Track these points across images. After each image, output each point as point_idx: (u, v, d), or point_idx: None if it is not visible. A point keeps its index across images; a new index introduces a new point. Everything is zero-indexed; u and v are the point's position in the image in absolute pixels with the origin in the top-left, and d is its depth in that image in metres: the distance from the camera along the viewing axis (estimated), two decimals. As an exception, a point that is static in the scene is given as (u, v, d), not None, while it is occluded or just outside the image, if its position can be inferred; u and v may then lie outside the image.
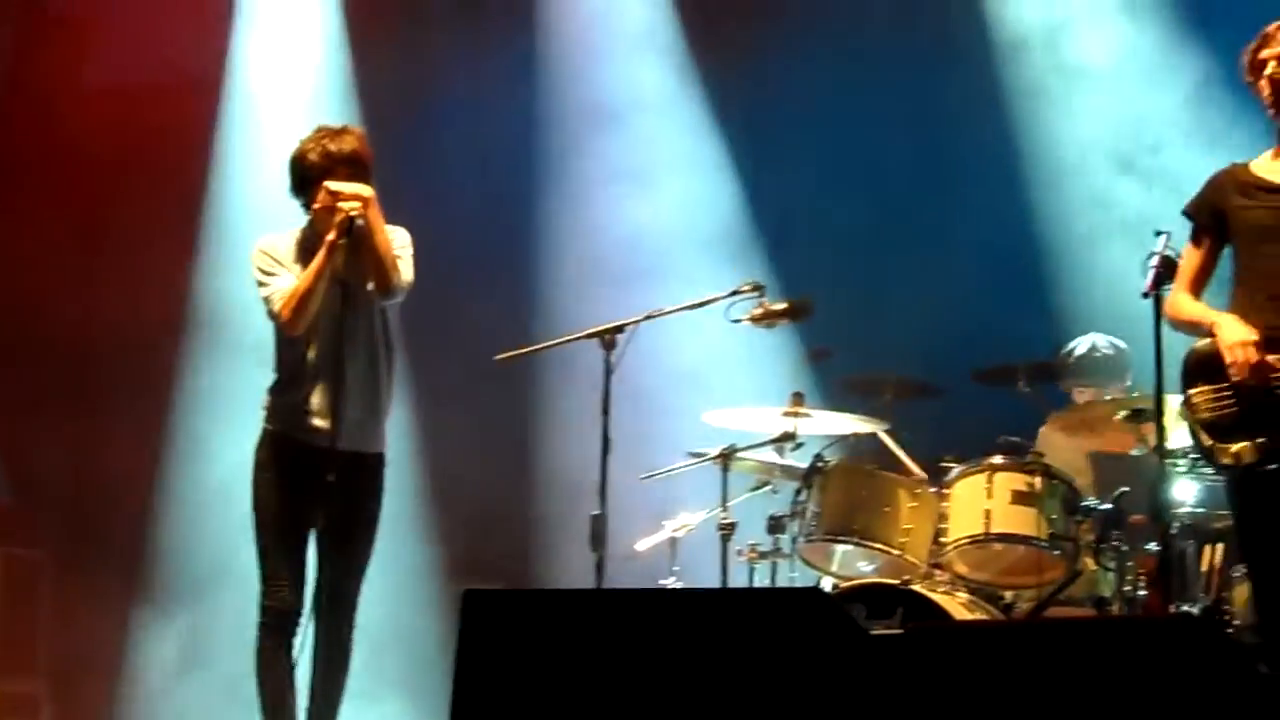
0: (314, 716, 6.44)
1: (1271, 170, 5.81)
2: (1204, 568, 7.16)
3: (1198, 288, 5.95)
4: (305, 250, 6.58)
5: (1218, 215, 5.89)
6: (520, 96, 10.15)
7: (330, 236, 6.40)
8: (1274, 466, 5.60)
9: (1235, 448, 5.69)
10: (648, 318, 7.17)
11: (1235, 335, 5.67)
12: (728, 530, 7.56)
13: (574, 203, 9.95)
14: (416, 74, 9.81)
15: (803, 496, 7.42)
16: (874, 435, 7.84)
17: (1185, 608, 6.71)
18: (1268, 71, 5.68)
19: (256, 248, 6.67)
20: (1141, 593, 7.14)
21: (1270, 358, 5.61)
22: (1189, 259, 5.97)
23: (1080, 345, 8.20)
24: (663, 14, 10.16)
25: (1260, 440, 5.62)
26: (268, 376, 6.69)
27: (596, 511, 6.91)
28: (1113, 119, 9.42)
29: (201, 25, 9.78)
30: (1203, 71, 9.01)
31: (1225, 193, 5.88)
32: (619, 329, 7.07)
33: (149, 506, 9.54)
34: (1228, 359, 5.66)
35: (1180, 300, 5.93)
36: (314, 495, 6.35)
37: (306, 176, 6.55)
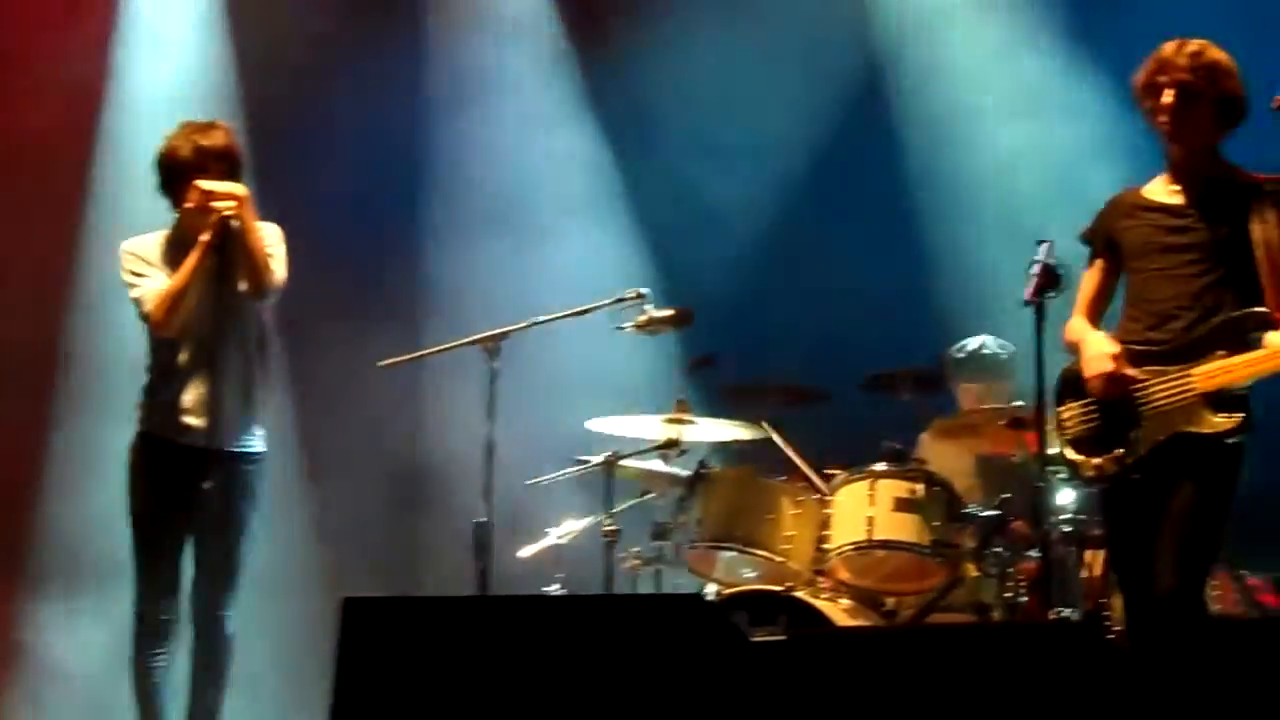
0: None
1: (1160, 192, 5.88)
2: (1084, 574, 7.23)
3: (1095, 312, 6.01)
4: (174, 250, 6.50)
5: (1108, 238, 5.96)
6: (406, 95, 10.08)
7: (204, 237, 6.33)
8: (1136, 477, 5.66)
9: (1096, 461, 5.76)
10: (531, 324, 7.15)
11: (1094, 350, 5.75)
12: (612, 537, 7.54)
13: (462, 206, 9.91)
14: (301, 74, 9.70)
15: (686, 503, 7.43)
16: (758, 441, 7.84)
17: (1065, 614, 6.76)
18: (1164, 100, 5.72)
19: (123, 250, 6.58)
20: (1022, 599, 7.20)
21: (1133, 371, 5.67)
22: (1086, 283, 6.05)
23: (971, 343, 8.27)
24: (546, 13, 10.15)
25: (1119, 452, 5.70)
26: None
27: (480, 518, 6.88)
28: (998, 131, 9.50)
29: (84, 30, 9.62)
30: (1090, 89, 9.11)
31: (1115, 215, 5.96)
32: (503, 335, 7.04)
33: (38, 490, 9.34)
34: (1086, 373, 5.75)
35: (1072, 324, 6.00)
36: (189, 497, 6.26)
37: (177, 172, 6.44)
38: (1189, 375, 5.59)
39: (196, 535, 6.40)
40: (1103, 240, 6.00)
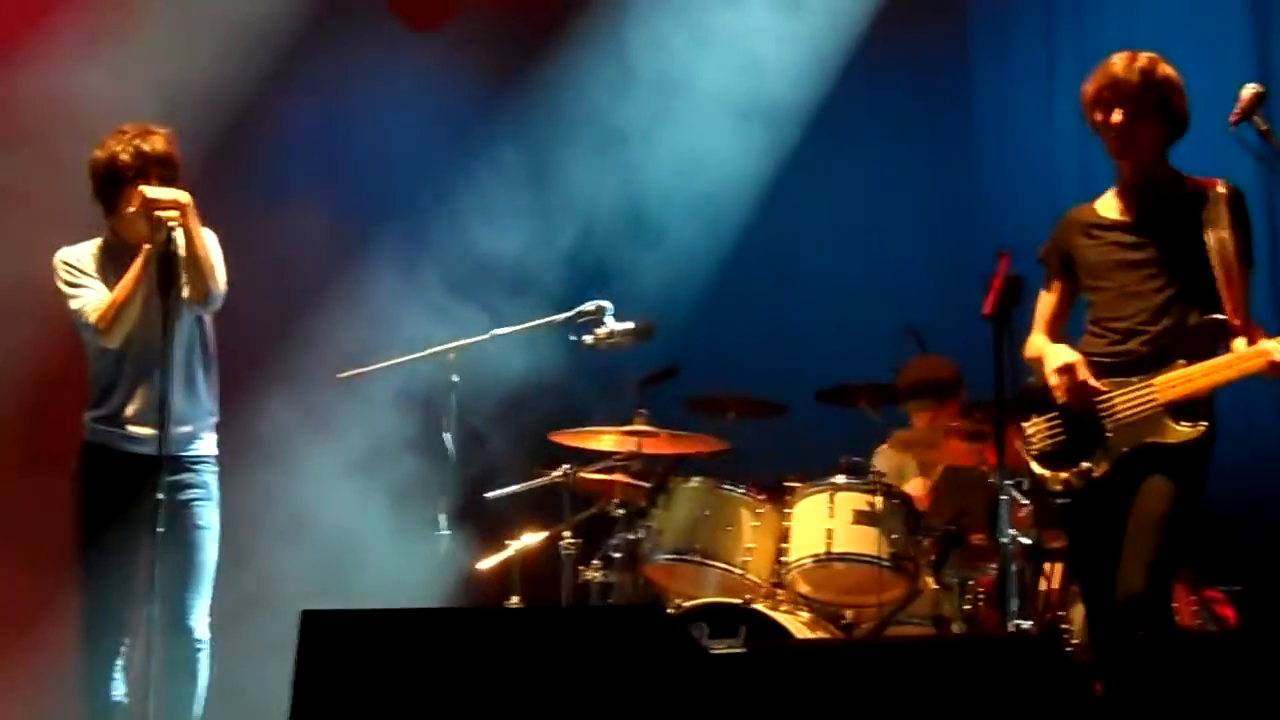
0: None
1: (1113, 209, 5.90)
2: (1042, 587, 7.25)
3: (1053, 330, 6.04)
4: (110, 257, 6.43)
5: (1065, 258, 5.98)
6: (370, 109, 10.06)
7: (148, 245, 6.25)
8: (1101, 486, 5.68)
9: (1064, 474, 5.77)
10: (491, 336, 7.15)
11: (1059, 360, 5.76)
12: (571, 549, 7.54)
13: (419, 221, 9.88)
14: (264, 86, 9.66)
15: (646, 515, 7.42)
16: (717, 454, 7.85)
17: (1024, 626, 6.77)
18: (1115, 118, 5.74)
19: (58, 259, 6.46)
20: (981, 611, 7.22)
21: (1095, 382, 5.69)
22: (1043, 303, 6.08)
23: (913, 366, 8.27)
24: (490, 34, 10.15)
25: (1085, 465, 5.71)
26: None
27: (439, 530, 6.87)
28: (949, 140, 9.56)
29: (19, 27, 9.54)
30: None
31: (1070, 234, 5.97)
32: (463, 348, 7.04)
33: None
34: (1052, 383, 5.76)
35: (1032, 341, 6.03)
36: (141, 506, 6.14)
37: (116, 178, 6.34)
38: (1150, 385, 5.61)
39: (158, 544, 6.22)
40: (1059, 259, 6.02)
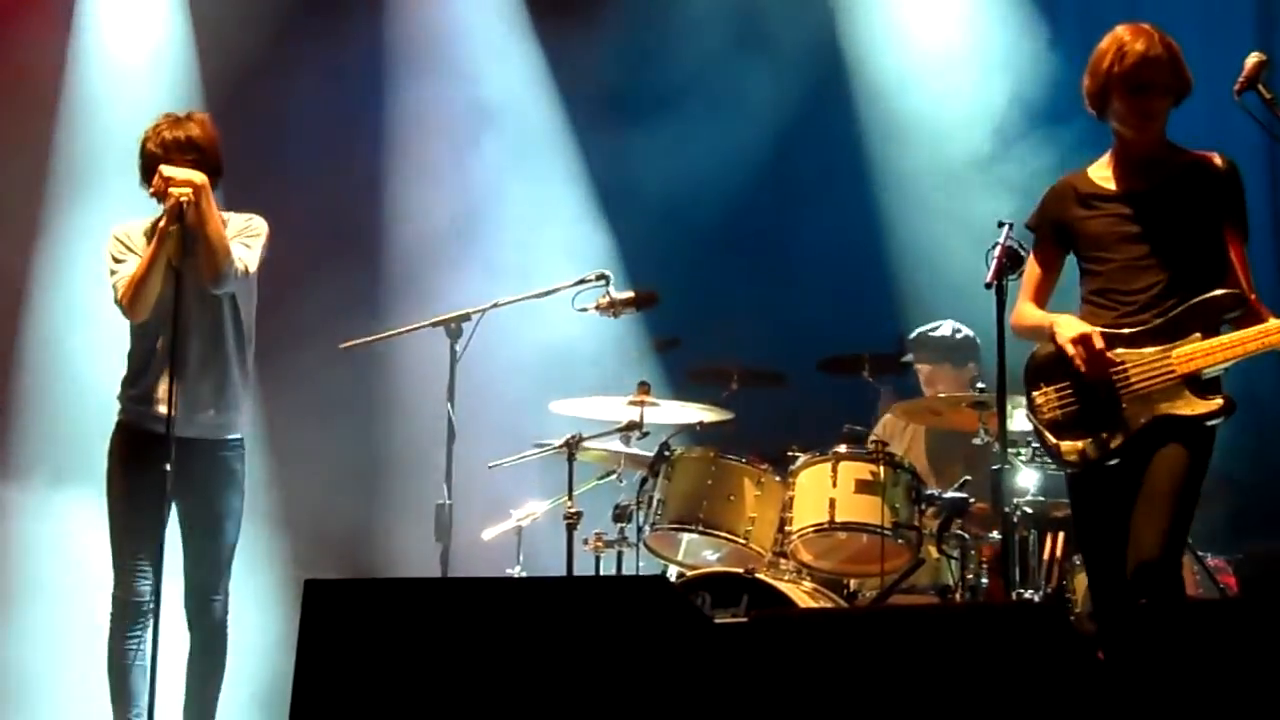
0: (190, 712, 6.48)
1: (1109, 177, 5.87)
2: (1045, 556, 7.25)
3: (1042, 297, 5.99)
4: (153, 237, 6.52)
5: (1059, 227, 5.93)
6: (371, 84, 10.06)
7: (162, 223, 6.39)
8: (1115, 461, 5.66)
9: (1081, 445, 5.74)
10: (493, 306, 7.15)
11: (1073, 330, 5.72)
12: (573, 519, 7.54)
13: (423, 189, 9.88)
14: (265, 61, 9.66)
15: (648, 485, 7.43)
16: (720, 423, 7.86)
17: (1026, 595, 6.78)
18: (1152, 101, 5.70)
19: (111, 234, 6.66)
20: (984, 581, 7.23)
21: (1110, 353, 5.67)
22: (1032, 270, 6.01)
23: (942, 326, 8.26)
24: (510, 5, 10.14)
25: (1103, 435, 5.69)
26: None
27: (442, 500, 6.88)
28: (957, 117, 9.52)
29: (43, 24, 9.56)
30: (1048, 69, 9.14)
31: (1066, 204, 5.92)
32: (465, 317, 7.05)
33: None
34: (1070, 352, 5.70)
35: (1023, 309, 5.98)
36: (162, 484, 6.25)
37: (147, 164, 6.53)
38: (1168, 357, 5.60)
39: (181, 523, 6.47)
40: (1051, 228, 5.96)
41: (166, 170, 6.38)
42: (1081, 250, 5.89)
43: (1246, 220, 5.76)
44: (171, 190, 6.33)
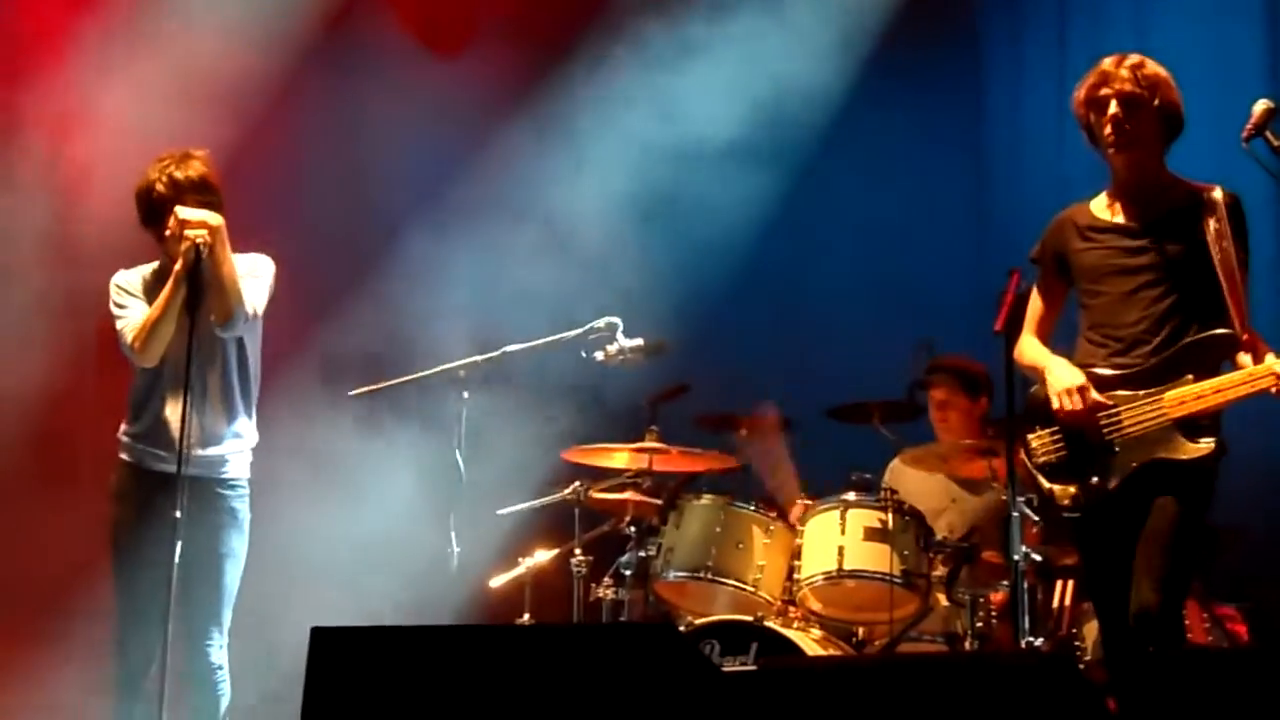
0: None
1: (1110, 211, 5.88)
2: (1054, 604, 7.23)
3: (1044, 331, 6.01)
4: (159, 281, 6.50)
5: (1060, 259, 5.95)
6: (381, 123, 10.08)
7: (178, 266, 6.33)
8: (1111, 501, 5.66)
9: (1072, 489, 5.75)
10: (502, 353, 7.15)
11: (1062, 381, 5.73)
12: (583, 567, 7.53)
13: (434, 237, 9.88)
14: (280, 100, 9.66)
15: (657, 533, 7.42)
16: (728, 471, 7.85)
17: (1036, 643, 6.76)
18: (1110, 111, 5.73)
19: (112, 282, 6.60)
20: (993, 628, 7.21)
21: (1101, 397, 5.67)
22: (1035, 303, 6.03)
23: (962, 358, 8.23)
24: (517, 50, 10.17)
25: (1093, 480, 5.69)
26: None
27: (450, 548, 6.87)
28: (962, 156, 9.55)
29: (54, 59, 9.56)
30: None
31: (1065, 236, 5.94)
32: (474, 365, 7.05)
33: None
34: (1054, 404, 5.72)
35: (1025, 344, 5.99)
36: (167, 524, 6.19)
37: (155, 208, 6.46)
38: (1159, 400, 5.59)
39: (182, 563, 6.25)
40: (1053, 260, 5.98)
41: (182, 213, 6.31)
42: (1078, 283, 5.90)
43: (1247, 254, 5.74)
44: (188, 233, 6.28)
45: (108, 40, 9.22)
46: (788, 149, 9.81)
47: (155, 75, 9.12)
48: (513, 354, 7.23)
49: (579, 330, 7.25)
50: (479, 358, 7.07)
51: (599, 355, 7.26)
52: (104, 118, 8.98)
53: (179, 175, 6.45)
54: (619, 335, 7.23)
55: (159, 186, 6.45)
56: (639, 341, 7.28)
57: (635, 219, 9.75)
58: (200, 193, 6.44)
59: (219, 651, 6.46)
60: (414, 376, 7.34)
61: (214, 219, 6.35)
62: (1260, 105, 5.62)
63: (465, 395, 7.02)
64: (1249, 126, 5.60)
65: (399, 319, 9.73)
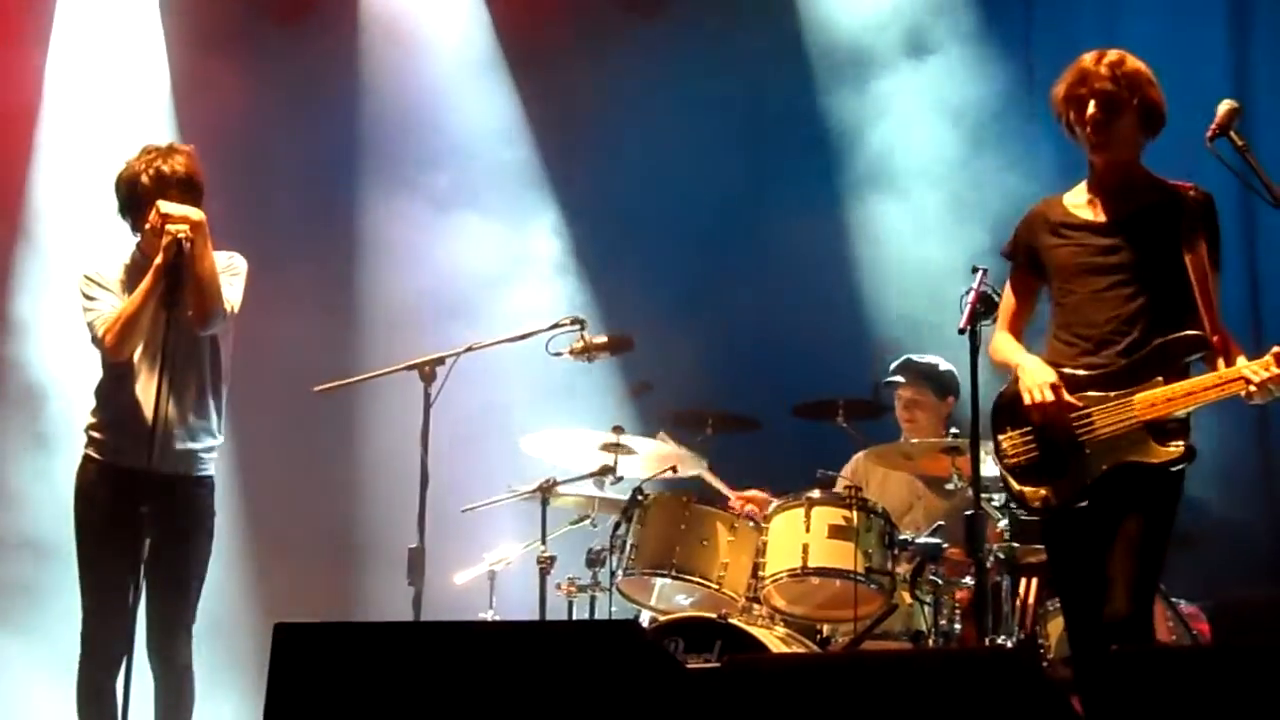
0: None
1: (1084, 207, 5.86)
2: (1019, 601, 7.24)
3: (1017, 327, 5.98)
4: (132, 274, 6.43)
5: (1031, 254, 5.92)
6: (345, 124, 10.07)
7: (157, 260, 6.24)
8: (1082, 504, 5.65)
9: (1042, 491, 5.73)
10: (468, 350, 7.14)
11: (1034, 379, 5.70)
12: (546, 564, 7.54)
13: (397, 232, 9.88)
14: (240, 98, 9.64)
15: (621, 530, 7.41)
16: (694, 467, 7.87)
17: (1000, 641, 6.77)
18: (1089, 112, 5.71)
19: (81, 273, 6.50)
20: (957, 626, 7.22)
21: (1072, 398, 5.66)
22: (1007, 299, 5.99)
23: (929, 357, 8.24)
24: (488, 51, 10.16)
25: (1063, 481, 5.68)
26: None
27: (414, 544, 6.85)
28: (935, 152, 9.56)
29: (15, 51, 9.54)
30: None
31: (1037, 231, 5.91)
32: (439, 361, 7.03)
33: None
34: (1026, 402, 5.70)
35: (997, 341, 5.96)
36: (136, 521, 6.15)
37: (138, 198, 6.37)
38: (1130, 403, 5.58)
39: (148, 561, 6.23)
40: (1025, 255, 5.95)
41: (164, 206, 6.23)
42: (1050, 280, 5.88)
43: (1219, 254, 5.73)
44: (169, 228, 6.19)
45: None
46: (754, 145, 9.84)
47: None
48: (479, 349, 7.22)
49: (545, 327, 7.25)
50: (445, 353, 7.05)
51: (565, 351, 7.26)
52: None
53: (165, 168, 6.37)
54: (584, 331, 7.24)
55: (144, 179, 6.37)
56: (604, 338, 7.29)
57: (599, 218, 9.79)
58: (184, 189, 6.36)
59: (187, 649, 6.40)
60: (380, 372, 7.32)
61: (196, 214, 6.27)
62: (1224, 105, 5.61)
63: (431, 391, 6.99)
64: (1213, 126, 5.59)
65: (365, 312, 9.75)
